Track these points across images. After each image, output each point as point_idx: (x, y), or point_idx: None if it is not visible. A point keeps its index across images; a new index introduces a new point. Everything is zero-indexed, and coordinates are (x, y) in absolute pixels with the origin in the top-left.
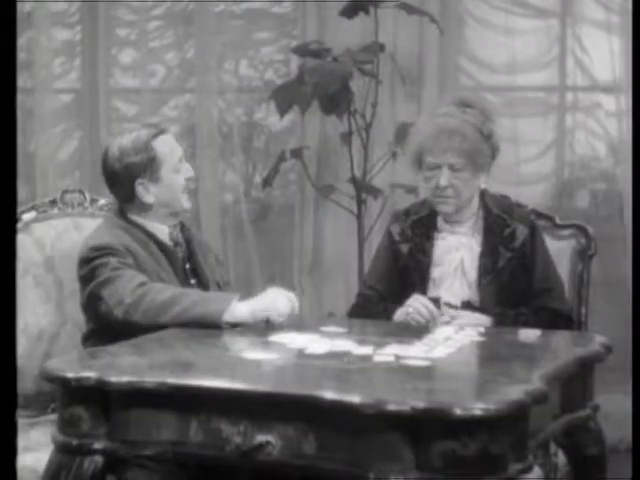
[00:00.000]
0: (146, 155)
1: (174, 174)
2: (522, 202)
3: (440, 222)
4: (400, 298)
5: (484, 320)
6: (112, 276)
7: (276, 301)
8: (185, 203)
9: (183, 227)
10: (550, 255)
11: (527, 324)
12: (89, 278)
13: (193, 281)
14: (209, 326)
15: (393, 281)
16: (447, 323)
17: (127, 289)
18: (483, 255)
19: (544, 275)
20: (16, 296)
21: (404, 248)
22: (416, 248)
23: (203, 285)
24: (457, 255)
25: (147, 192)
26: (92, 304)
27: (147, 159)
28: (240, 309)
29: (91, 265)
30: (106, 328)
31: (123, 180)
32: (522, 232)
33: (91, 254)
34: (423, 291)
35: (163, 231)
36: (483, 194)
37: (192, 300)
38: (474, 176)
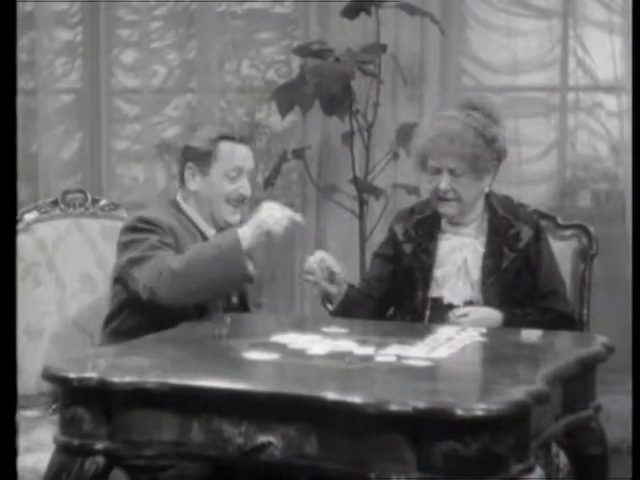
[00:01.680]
0: (206, 146)
1: (223, 179)
2: (524, 202)
3: (444, 223)
4: (402, 299)
5: (494, 315)
6: (145, 256)
7: (272, 211)
8: (227, 215)
9: None
10: (554, 256)
11: (534, 323)
12: (126, 247)
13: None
14: (234, 268)
15: (389, 281)
16: (462, 316)
17: (154, 271)
18: (487, 256)
19: (549, 277)
20: (16, 296)
21: (407, 248)
22: (419, 248)
23: (241, 294)
24: (460, 256)
25: (192, 179)
26: (123, 279)
27: (205, 150)
28: (247, 232)
29: (132, 235)
30: (137, 304)
31: (180, 158)
32: (527, 233)
33: (137, 224)
34: (425, 291)
35: (210, 231)
36: (488, 195)
37: (207, 257)
38: (476, 180)
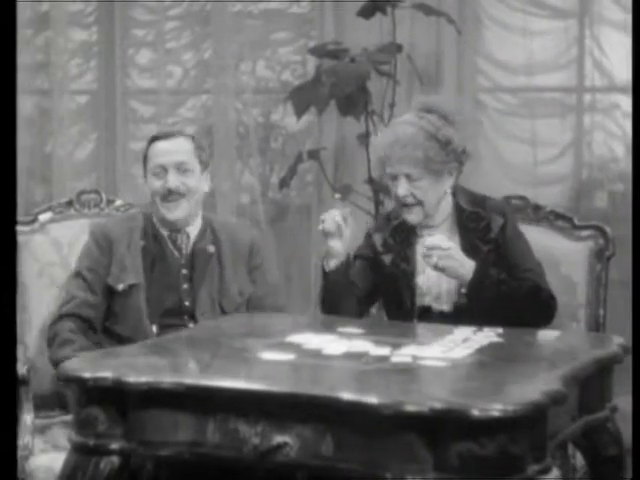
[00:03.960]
0: (144, 151)
1: (151, 176)
2: (540, 203)
3: (418, 227)
4: (390, 307)
5: (468, 262)
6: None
7: None
8: (164, 211)
9: (202, 236)
10: (525, 239)
11: (508, 284)
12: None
13: (185, 286)
14: None
15: (370, 282)
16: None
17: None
18: None
19: (522, 257)
20: (16, 298)
21: (387, 259)
22: (399, 257)
23: (193, 295)
24: None
25: (146, 181)
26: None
27: (144, 153)
28: None
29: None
30: None
31: None
32: (497, 222)
33: (87, 238)
34: (411, 300)
35: (163, 231)
36: (455, 194)
37: None
38: (435, 183)
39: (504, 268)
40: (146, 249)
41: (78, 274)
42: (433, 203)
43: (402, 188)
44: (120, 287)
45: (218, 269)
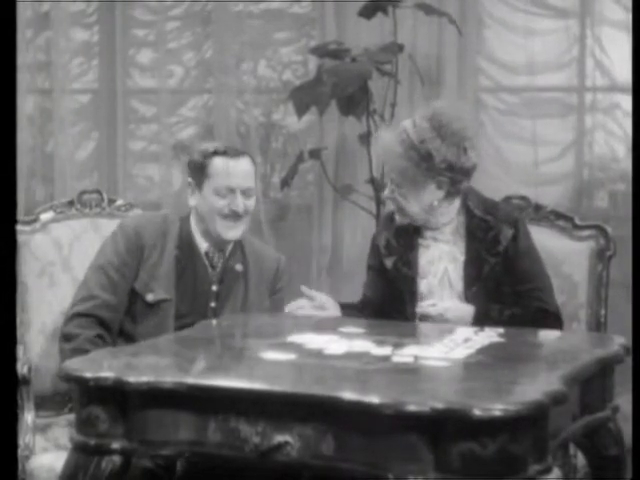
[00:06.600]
0: (201, 162)
1: (215, 195)
2: (541, 202)
3: (422, 228)
4: (392, 313)
5: (467, 310)
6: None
7: None
8: (221, 230)
9: (233, 253)
10: (537, 252)
11: (513, 318)
12: (100, 251)
13: (213, 304)
14: None
15: (382, 292)
16: (430, 306)
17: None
18: (467, 264)
19: (530, 275)
20: (16, 298)
21: (389, 262)
22: (401, 261)
23: (219, 313)
24: (440, 266)
25: (192, 194)
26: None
27: (200, 165)
28: None
29: (106, 241)
30: None
31: (187, 171)
32: (506, 234)
33: (116, 231)
34: (413, 304)
35: (203, 245)
36: (465, 197)
37: None
38: (413, 192)
39: (510, 282)
40: (178, 259)
41: (101, 269)
42: (415, 211)
43: (387, 190)
44: (149, 298)
45: (243, 289)
